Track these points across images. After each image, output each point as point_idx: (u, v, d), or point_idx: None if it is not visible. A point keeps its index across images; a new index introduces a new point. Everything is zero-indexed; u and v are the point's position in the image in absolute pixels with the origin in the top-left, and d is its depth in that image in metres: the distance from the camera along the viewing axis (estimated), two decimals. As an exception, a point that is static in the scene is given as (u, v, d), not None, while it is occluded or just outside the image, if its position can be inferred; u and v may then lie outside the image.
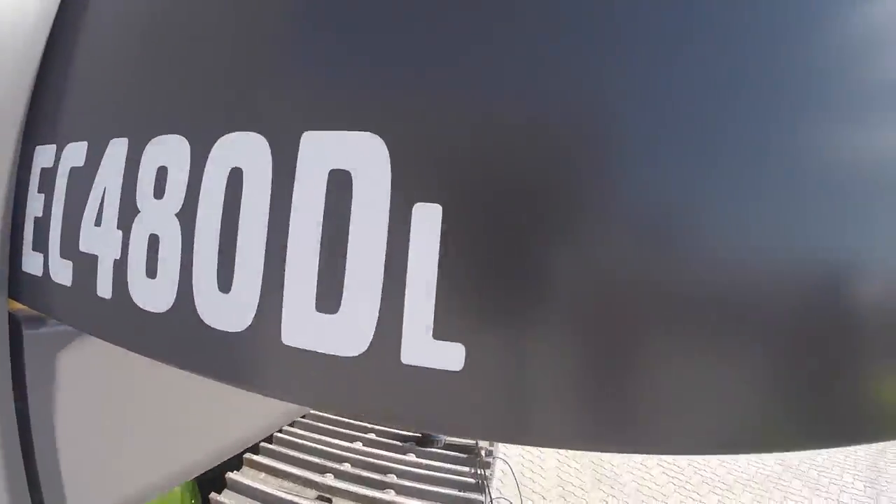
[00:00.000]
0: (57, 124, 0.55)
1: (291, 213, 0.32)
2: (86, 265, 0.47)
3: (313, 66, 0.33)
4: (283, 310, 0.32)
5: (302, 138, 0.32)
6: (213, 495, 1.63)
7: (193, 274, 0.37)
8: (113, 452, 0.74)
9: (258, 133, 0.34)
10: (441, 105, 0.29)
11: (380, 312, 0.29)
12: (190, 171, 0.38)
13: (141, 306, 0.41)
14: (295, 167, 0.32)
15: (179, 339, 0.39)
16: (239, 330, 0.34)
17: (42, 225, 0.54)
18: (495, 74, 0.29)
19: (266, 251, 0.33)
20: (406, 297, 0.29)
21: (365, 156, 0.30)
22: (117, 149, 0.45)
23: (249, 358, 0.35)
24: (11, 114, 0.58)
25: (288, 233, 0.32)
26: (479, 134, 0.29)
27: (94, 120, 0.50)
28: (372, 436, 1.98)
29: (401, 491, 1.57)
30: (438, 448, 1.90)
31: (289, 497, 1.52)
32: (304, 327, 0.32)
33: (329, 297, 0.31)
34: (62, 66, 0.57)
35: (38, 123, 0.58)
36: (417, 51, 0.30)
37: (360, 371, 0.30)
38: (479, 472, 1.68)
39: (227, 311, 0.35)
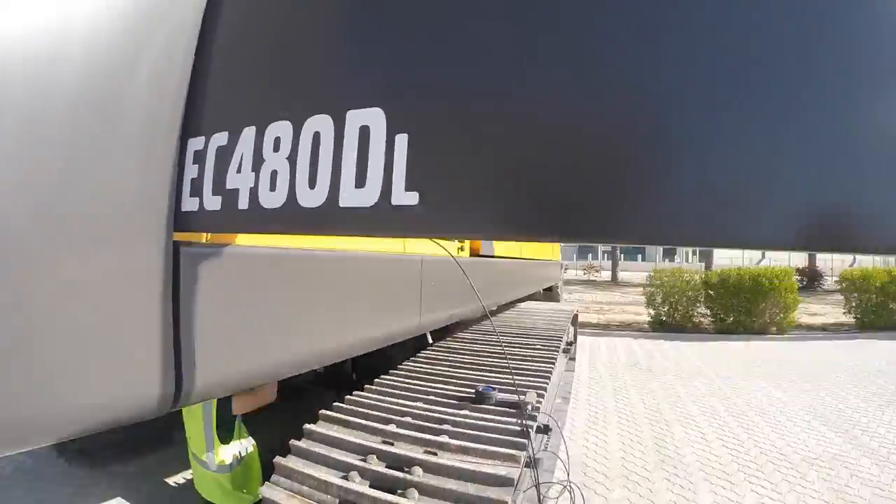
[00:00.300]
0: (202, 124, 0.99)
1: (344, 149, 0.73)
2: (230, 195, 0.89)
3: (354, 78, 0.75)
4: (340, 191, 0.73)
5: (347, 114, 0.73)
6: (278, 459, 1.90)
7: (296, 184, 0.78)
8: (237, 340, 1.16)
9: (326, 114, 0.76)
10: (407, 96, 0.70)
11: (381, 183, 0.70)
12: (292, 136, 0.80)
13: (265, 207, 0.82)
14: (344, 127, 0.73)
15: (289, 217, 0.80)
16: (318, 205, 0.75)
17: (197, 181, 0.97)
18: (439, 81, 0.70)
19: (332, 166, 0.74)
20: (393, 175, 0.69)
21: (375, 118, 0.71)
22: (248, 132, 0.87)
23: (324, 217, 0.76)
24: (173, 123, 1.02)
25: (342, 157, 0.73)
26: (425, 103, 0.69)
27: (230, 118, 0.93)
28: (431, 397, 2.34)
29: (454, 436, 1.90)
30: (490, 405, 2.26)
31: (355, 440, 1.87)
32: (348, 196, 0.72)
33: (360, 180, 0.71)
34: (202, 86, 1.01)
35: (189, 125, 1.01)
36: (402, 70, 0.71)
37: (373, 211, 0.70)
38: (523, 422, 2.00)
39: (314, 197, 0.76)
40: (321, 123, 0.77)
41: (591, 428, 5.40)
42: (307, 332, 1.48)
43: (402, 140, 0.69)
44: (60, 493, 3.83)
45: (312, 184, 0.76)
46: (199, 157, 0.98)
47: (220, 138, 0.93)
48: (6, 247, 0.81)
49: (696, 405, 6.16)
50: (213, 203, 0.93)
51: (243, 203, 0.87)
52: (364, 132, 0.72)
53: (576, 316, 6.85)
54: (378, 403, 2.29)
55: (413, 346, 3.19)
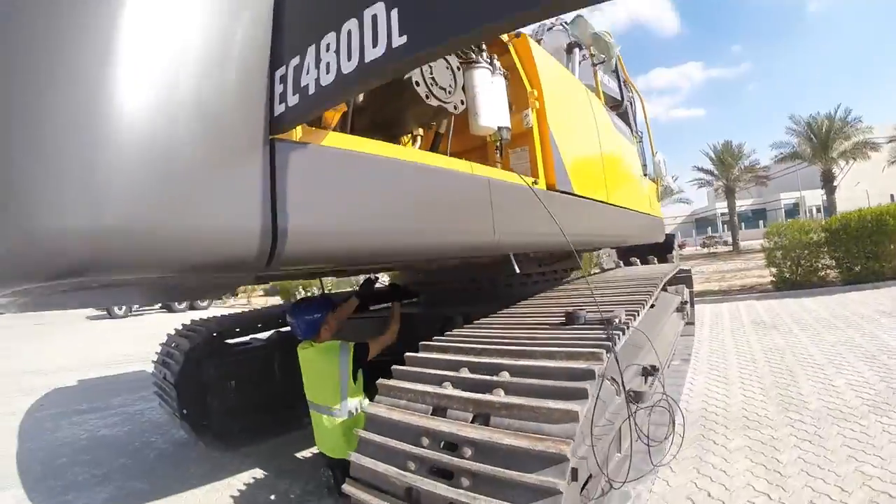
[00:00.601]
0: (283, 56, 1.58)
1: (364, 32, 1.28)
2: (304, 89, 1.46)
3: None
4: (365, 53, 1.27)
5: (363, 12, 1.28)
6: (381, 380, 2.24)
7: (340, 63, 1.34)
8: (317, 217, 1.71)
9: (354, 18, 1.31)
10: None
11: (386, 39, 1.23)
12: (336, 39, 1.35)
13: (324, 84, 1.38)
14: (364, 20, 1.28)
15: (339, 84, 1.34)
16: (354, 68, 1.30)
17: (283, 93, 1.55)
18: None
19: (359, 43, 1.29)
20: (392, 32, 1.22)
21: (379, 8, 1.25)
22: (310, 50, 1.45)
23: (358, 73, 1.30)
24: (264, 61, 1.62)
25: (364, 34, 1.28)
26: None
27: (299, 46, 1.51)
28: (528, 323, 2.68)
29: (544, 345, 2.21)
30: (580, 324, 2.48)
31: (452, 358, 2.21)
32: (369, 54, 1.26)
33: (374, 42, 1.25)
34: (279, 31, 1.61)
35: (274, 60, 1.61)
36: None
37: (384, 56, 1.23)
38: (609, 333, 2.19)
39: (351, 64, 1.31)
40: (351, 24, 1.32)
41: (711, 382, 5.46)
42: (379, 223, 1.98)
43: (394, 12, 1.22)
44: (199, 469, 4.52)
45: (349, 58, 1.31)
46: (283, 79, 1.57)
47: (295, 61, 1.52)
48: (184, 141, 1.42)
49: (823, 355, 6.03)
50: (293, 100, 1.51)
51: (312, 90, 1.43)
52: (374, 18, 1.26)
53: (689, 276, 6.80)
54: (474, 333, 2.65)
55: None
